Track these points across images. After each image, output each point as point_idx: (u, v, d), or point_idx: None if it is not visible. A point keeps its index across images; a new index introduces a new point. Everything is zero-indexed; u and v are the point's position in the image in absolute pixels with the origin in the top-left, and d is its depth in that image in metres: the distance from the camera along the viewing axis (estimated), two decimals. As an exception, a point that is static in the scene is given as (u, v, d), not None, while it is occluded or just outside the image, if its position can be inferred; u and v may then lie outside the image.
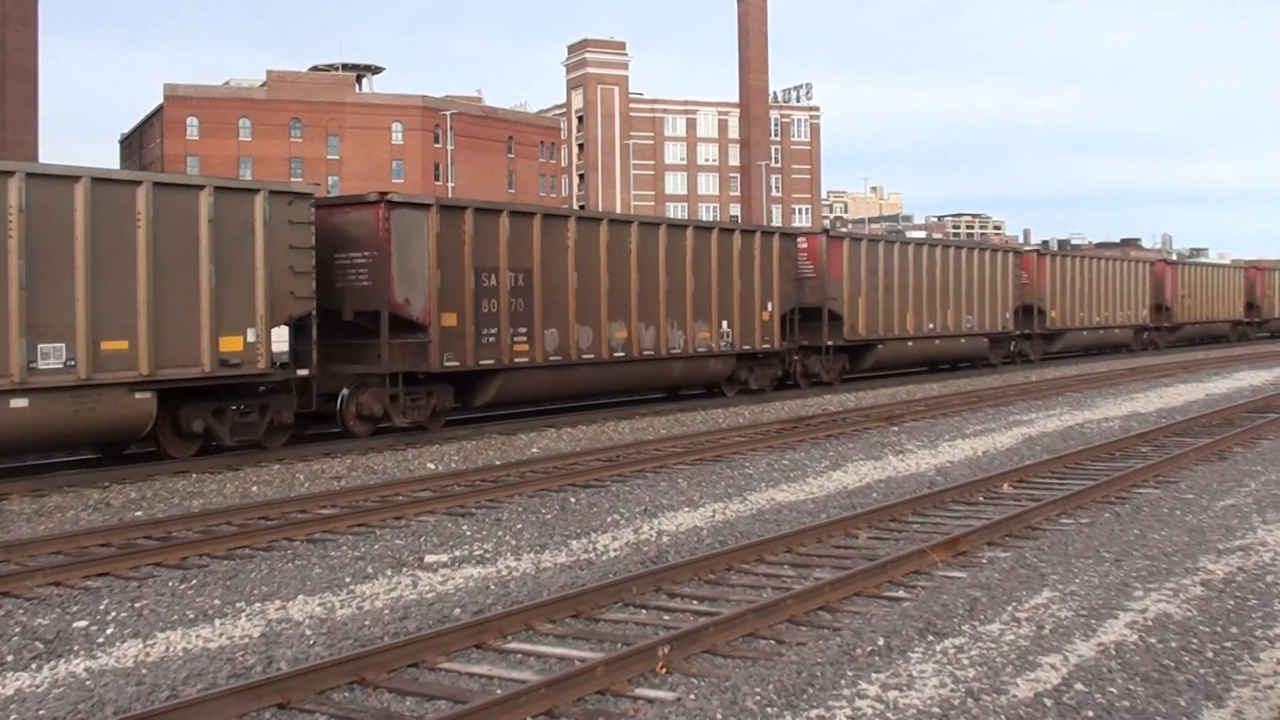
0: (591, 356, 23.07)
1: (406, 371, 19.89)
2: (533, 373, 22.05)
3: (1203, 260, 72.90)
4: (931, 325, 34.44)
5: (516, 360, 21.45)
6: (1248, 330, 63.08)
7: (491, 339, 20.89)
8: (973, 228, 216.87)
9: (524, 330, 21.52)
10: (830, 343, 30.33)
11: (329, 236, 19.22)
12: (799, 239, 30.39)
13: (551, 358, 22.17)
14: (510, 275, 21.28)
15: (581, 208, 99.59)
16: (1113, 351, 48.47)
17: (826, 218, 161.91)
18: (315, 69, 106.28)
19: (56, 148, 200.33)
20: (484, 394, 21.33)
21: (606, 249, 23.45)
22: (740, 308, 26.93)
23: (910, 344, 33.78)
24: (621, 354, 23.80)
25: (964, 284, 36.06)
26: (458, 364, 20.33)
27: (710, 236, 26.45)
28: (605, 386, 24.93)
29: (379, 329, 19.39)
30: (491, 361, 20.93)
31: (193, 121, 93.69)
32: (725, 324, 26.37)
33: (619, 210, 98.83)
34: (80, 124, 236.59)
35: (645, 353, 24.42)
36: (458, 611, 9.09)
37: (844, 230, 33.08)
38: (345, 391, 19.56)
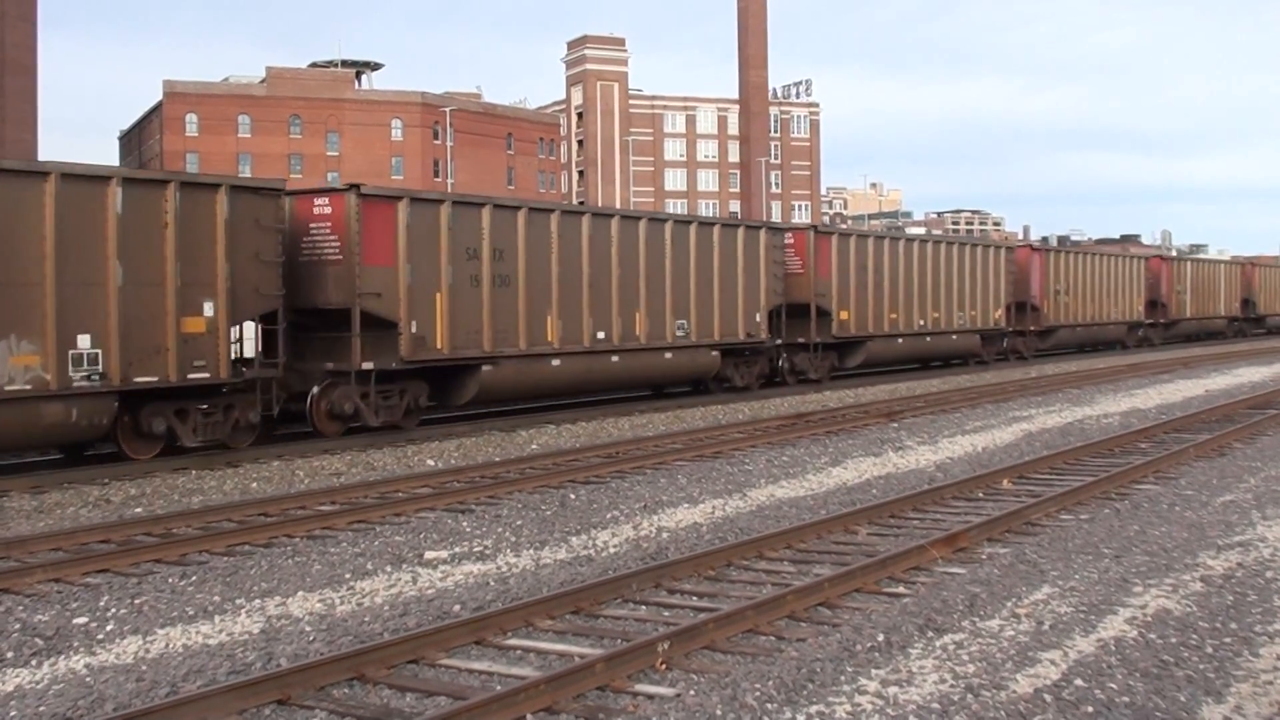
0: None
1: None
2: None
3: (1089, 248, 60.88)
4: (602, 335, 23.56)
5: None
6: (1150, 333, 52.03)
7: None
8: (972, 224, 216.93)
9: None
10: (368, 365, 19.18)
11: None
12: (312, 200, 19.63)
13: None
14: None
15: (581, 204, 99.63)
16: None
17: (826, 214, 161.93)
18: (314, 65, 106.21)
19: (55, 145, 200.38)
20: None
21: None
22: (123, 314, 16.01)
23: (557, 363, 22.55)
24: None
25: (674, 274, 25.36)
26: None
27: (44, 187, 15.27)
28: None
29: None
30: None
31: (192, 118, 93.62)
32: (86, 341, 15.61)
33: (618, 206, 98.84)
34: (79, 121, 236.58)
35: None
36: (457, 608, 9.09)
37: (398, 191, 20.18)
38: None
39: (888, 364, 35.47)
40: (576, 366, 23.30)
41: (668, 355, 25.56)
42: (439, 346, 20.28)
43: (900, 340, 34.09)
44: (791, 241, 30.42)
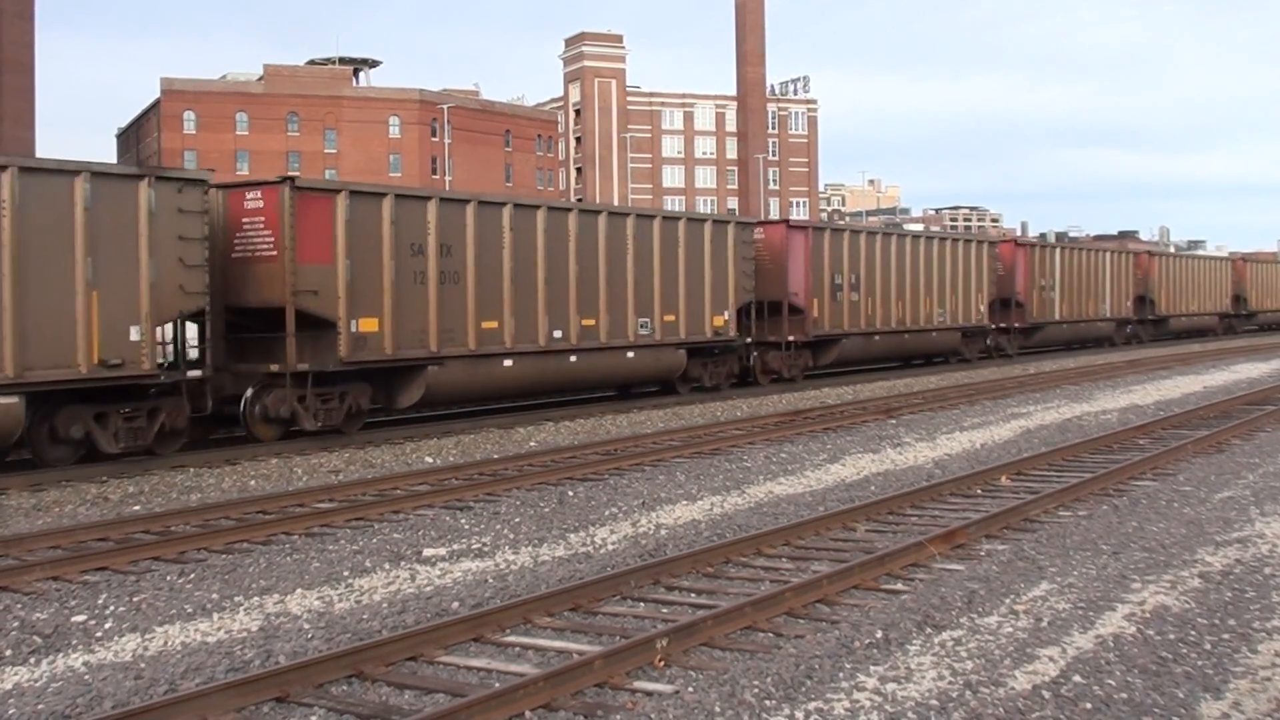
0: None
1: None
2: None
3: (898, 227, 46.28)
4: None
5: None
6: (1001, 340, 40.40)
7: None
8: (970, 220, 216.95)
9: None
10: None
11: None
12: None
13: None
14: None
15: (579, 200, 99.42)
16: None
17: (824, 210, 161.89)
18: (312, 63, 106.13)
19: (54, 143, 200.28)
20: None
21: None
22: None
23: None
24: None
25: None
26: None
27: None
28: None
29: None
30: None
31: (190, 115, 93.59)
32: None
33: (616, 203, 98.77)
34: (77, 118, 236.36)
35: None
36: (456, 605, 9.09)
37: None
38: None
39: (488, 398, 23.67)
40: None
41: None
42: None
43: (508, 363, 21.77)
44: (259, 204, 18.50)
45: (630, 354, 24.82)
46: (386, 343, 19.62)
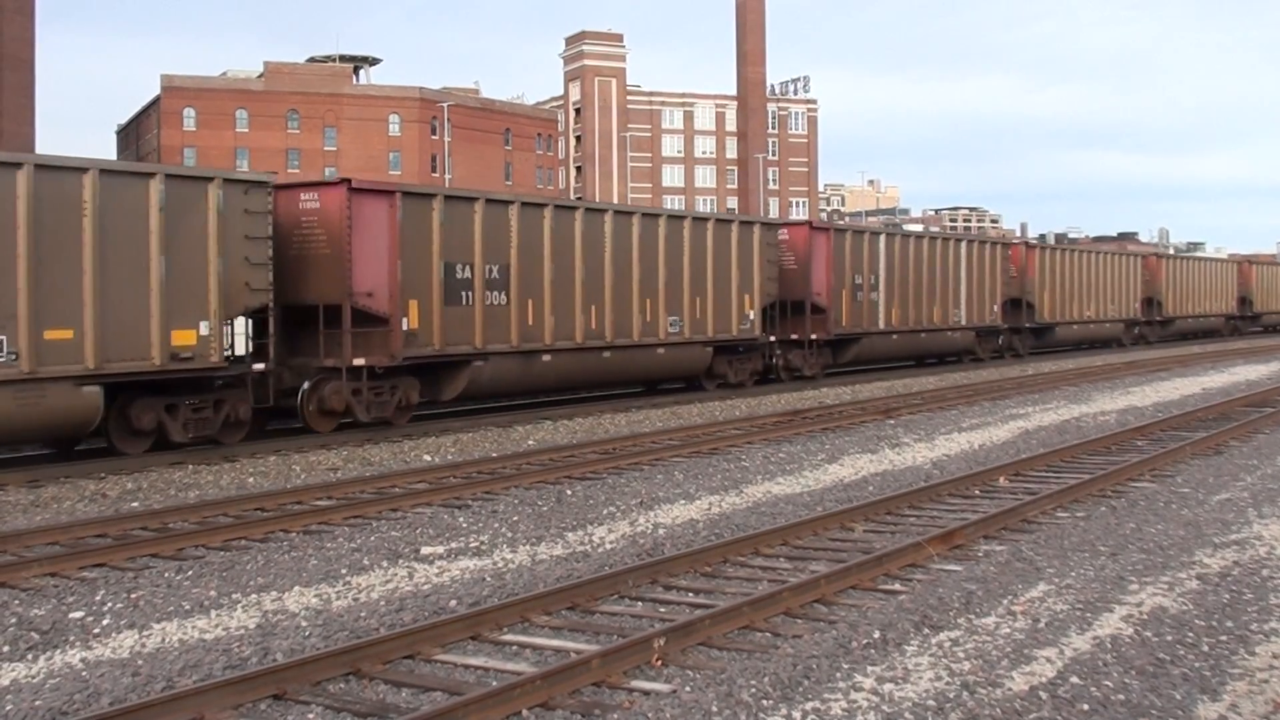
0: None
1: None
2: None
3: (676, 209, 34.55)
4: None
5: None
6: (793, 358, 30.16)
7: None
8: (969, 221, 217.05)
9: None
10: None
11: None
12: None
13: None
14: None
15: (578, 199, 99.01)
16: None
17: (824, 210, 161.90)
18: (313, 60, 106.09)
19: (53, 139, 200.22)
20: None
21: None
22: None
23: None
24: None
25: None
26: None
27: None
28: None
29: None
30: None
31: (190, 112, 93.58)
32: None
33: (615, 201, 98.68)
34: (77, 115, 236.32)
35: None
36: (453, 603, 9.09)
37: None
38: None
39: None
40: None
41: None
42: None
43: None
44: None
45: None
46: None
